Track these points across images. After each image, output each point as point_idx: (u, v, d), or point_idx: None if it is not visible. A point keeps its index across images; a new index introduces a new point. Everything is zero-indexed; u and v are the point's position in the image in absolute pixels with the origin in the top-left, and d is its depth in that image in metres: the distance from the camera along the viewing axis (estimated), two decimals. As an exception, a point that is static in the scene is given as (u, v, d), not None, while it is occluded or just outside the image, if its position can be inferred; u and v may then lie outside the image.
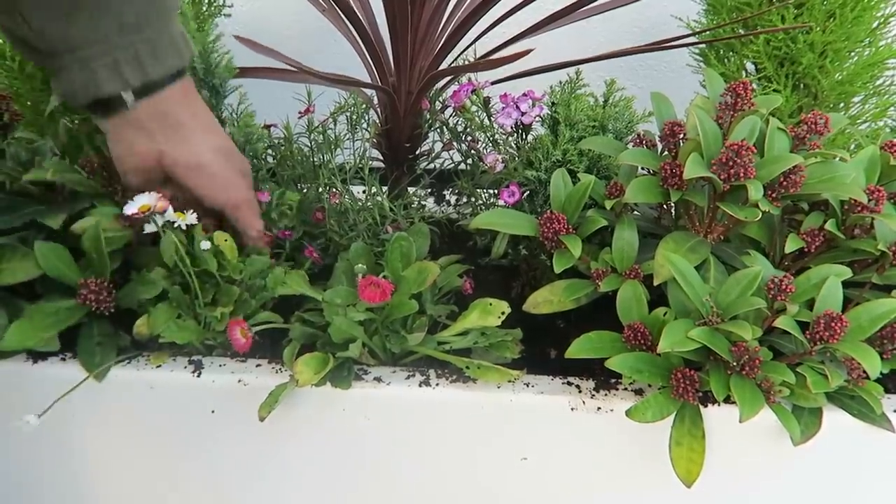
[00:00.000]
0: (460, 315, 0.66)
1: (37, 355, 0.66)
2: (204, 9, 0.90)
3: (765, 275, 0.59)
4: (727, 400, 0.58)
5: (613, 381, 0.64)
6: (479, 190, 0.83)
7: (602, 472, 0.65)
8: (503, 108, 0.76)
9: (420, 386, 0.63)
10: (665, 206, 0.73)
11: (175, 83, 0.60)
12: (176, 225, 0.61)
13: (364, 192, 0.79)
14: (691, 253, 0.62)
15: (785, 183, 0.61)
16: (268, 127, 0.82)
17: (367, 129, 0.82)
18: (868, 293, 0.64)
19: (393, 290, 0.62)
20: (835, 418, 0.60)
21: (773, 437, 0.60)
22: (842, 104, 0.89)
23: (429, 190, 0.91)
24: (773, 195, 0.61)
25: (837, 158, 0.63)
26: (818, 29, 0.83)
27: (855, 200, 0.62)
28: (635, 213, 0.74)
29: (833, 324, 0.55)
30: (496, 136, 0.80)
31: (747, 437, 0.61)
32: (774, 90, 0.87)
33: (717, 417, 0.60)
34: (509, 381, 0.63)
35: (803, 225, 0.64)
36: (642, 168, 0.68)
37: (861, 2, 0.82)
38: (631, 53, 0.75)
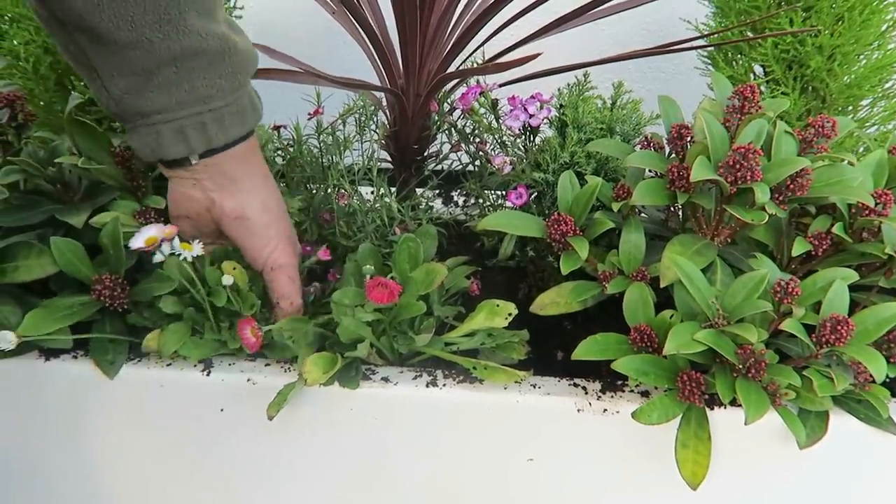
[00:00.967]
0: (467, 316, 0.67)
1: (49, 352, 0.67)
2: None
3: (771, 278, 0.59)
4: (733, 402, 0.58)
5: (620, 382, 0.64)
6: (486, 192, 0.83)
7: (608, 474, 0.65)
8: (511, 110, 0.76)
9: (427, 386, 0.63)
10: (672, 209, 0.73)
11: (237, 146, 0.62)
12: (182, 257, 0.62)
13: (372, 193, 0.79)
14: (698, 255, 0.62)
15: (792, 186, 0.61)
16: (277, 128, 0.83)
17: (375, 131, 0.82)
18: (875, 297, 0.63)
19: (401, 292, 0.62)
20: (841, 422, 0.59)
21: (779, 441, 0.60)
22: (850, 107, 0.89)
23: (437, 191, 0.91)
24: (780, 198, 0.61)
25: (845, 162, 0.63)
26: (826, 32, 0.83)
27: (862, 204, 0.61)
28: (642, 215, 0.74)
29: (839, 327, 0.55)
30: (504, 137, 0.80)
31: (753, 440, 0.61)
32: (782, 93, 0.86)
33: (722, 420, 0.60)
34: (516, 382, 0.63)
35: (810, 228, 0.64)
36: (649, 170, 0.68)
37: (869, 5, 0.82)
38: (639, 56, 0.75)
